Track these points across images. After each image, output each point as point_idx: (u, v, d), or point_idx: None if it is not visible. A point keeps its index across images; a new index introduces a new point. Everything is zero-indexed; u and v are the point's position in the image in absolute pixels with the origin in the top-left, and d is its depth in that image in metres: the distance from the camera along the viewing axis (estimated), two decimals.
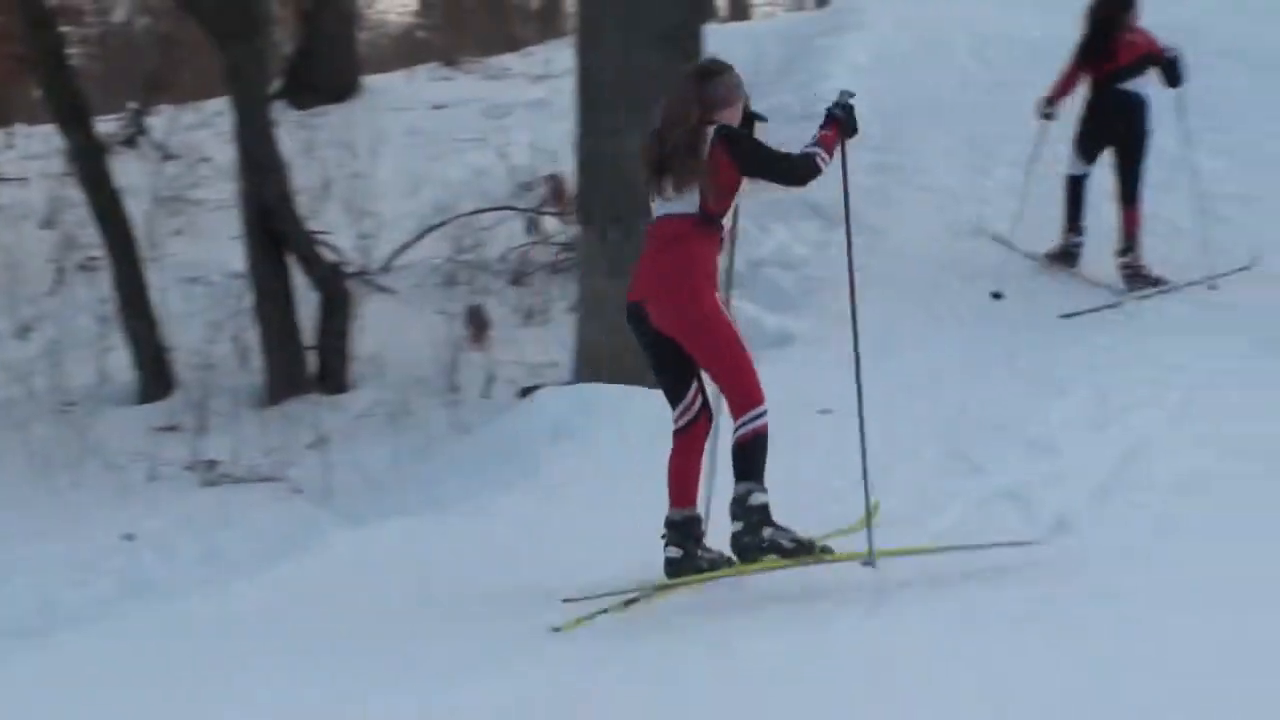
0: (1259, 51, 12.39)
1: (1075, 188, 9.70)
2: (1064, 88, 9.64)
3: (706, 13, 14.39)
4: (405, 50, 26.39)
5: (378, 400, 9.77)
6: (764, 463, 5.33)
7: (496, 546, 6.30)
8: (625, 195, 7.64)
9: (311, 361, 10.37)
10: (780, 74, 12.88)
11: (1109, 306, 9.02)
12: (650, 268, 5.47)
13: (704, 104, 5.45)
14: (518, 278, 11.74)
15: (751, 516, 5.30)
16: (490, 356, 10.13)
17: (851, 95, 5.99)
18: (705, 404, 5.56)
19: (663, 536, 5.49)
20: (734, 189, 5.49)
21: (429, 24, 29.30)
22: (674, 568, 5.47)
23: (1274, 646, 3.98)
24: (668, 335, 5.41)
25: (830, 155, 5.84)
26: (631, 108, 7.54)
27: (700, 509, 5.60)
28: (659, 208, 5.49)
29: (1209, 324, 8.50)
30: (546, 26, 24.37)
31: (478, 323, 10.82)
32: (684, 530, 5.50)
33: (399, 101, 16.86)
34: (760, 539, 5.29)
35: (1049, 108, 9.61)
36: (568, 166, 10.60)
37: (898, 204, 10.66)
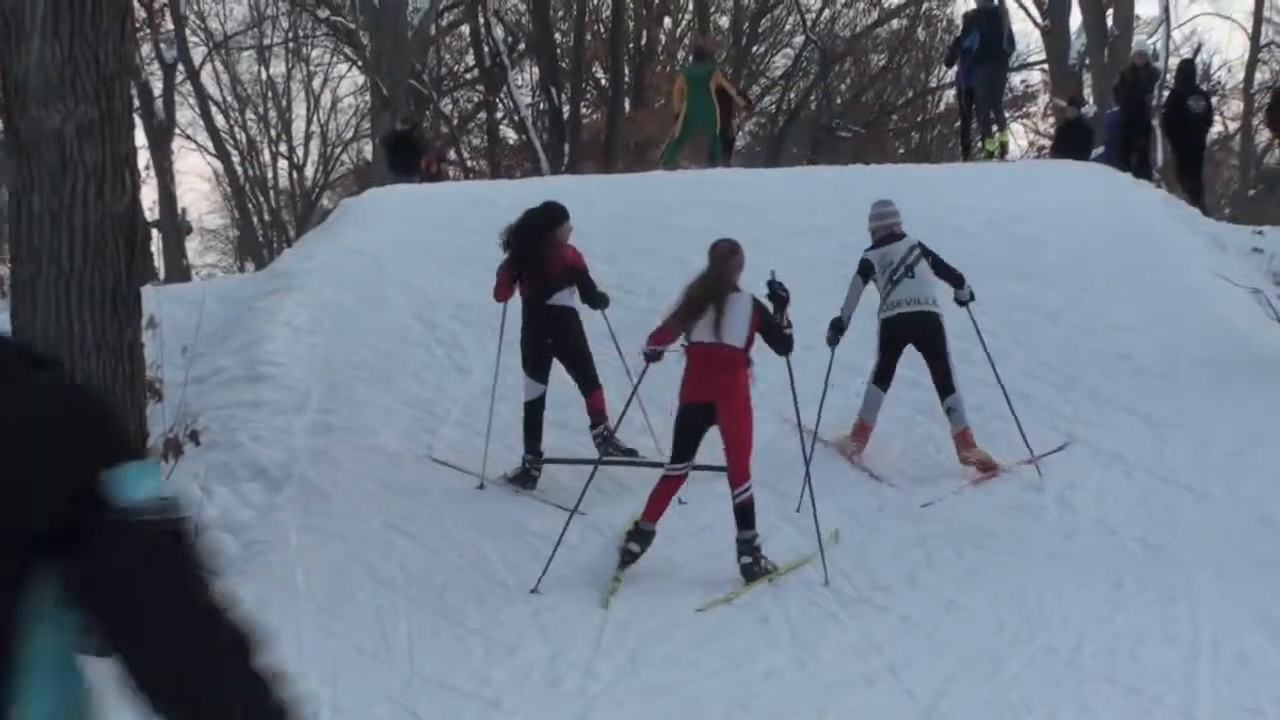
0: None
1: (532, 413, 10.47)
2: (503, 291, 10.60)
3: (144, 275, 14.17)
4: None
5: None
6: (754, 517, 8.76)
7: None
8: None
9: None
10: (221, 337, 12.79)
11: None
12: (716, 379, 8.84)
13: (737, 273, 9.07)
14: None
15: (756, 552, 8.74)
16: None
17: (775, 273, 9.15)
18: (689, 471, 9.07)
19: (629, 534, 8.93)
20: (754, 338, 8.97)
21: None
22: (632, 559, 8.84)
23: None
24: (721, 425, 8.85)
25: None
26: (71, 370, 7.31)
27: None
28: (707, 335, 8.91)
29: None
30: None
31: None
32: (648, 539, 8.91)
33: None
34: (762, 567, 8.71)
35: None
36: None
37: (340, 464, 10.69)
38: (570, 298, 10.50)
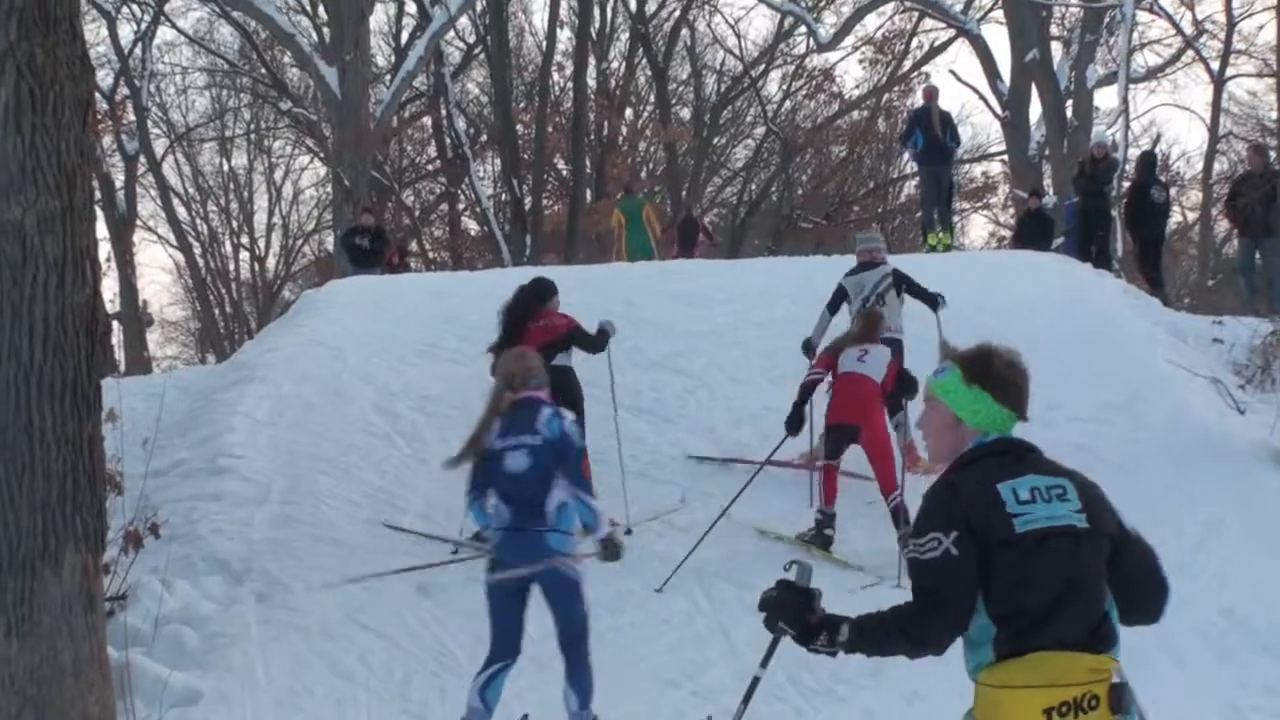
0: None
1: None
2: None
3: (105, 367, 14.09)
4: None
5: None
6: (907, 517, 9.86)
7: None
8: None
9: None
10: (182, 429, 12.74)
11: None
12: (860, 403, 10.79)
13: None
14: None
15: None
16: None
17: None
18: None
19: (819, 520, 10.65)
20: None
21: None
22: (829, 540, 10.48)
23: None
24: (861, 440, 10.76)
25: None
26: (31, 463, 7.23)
27: None
28: (853, 366, 10.92)
29: None
30: None
31: None
32: (832, 520, 10.61)
33: None
34: None
35: None
36: None
37: (301, 557, 10.62)
38: (568, 359, 11.06)
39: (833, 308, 12.45)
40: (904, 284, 12.39)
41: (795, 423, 11.15)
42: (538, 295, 11.33)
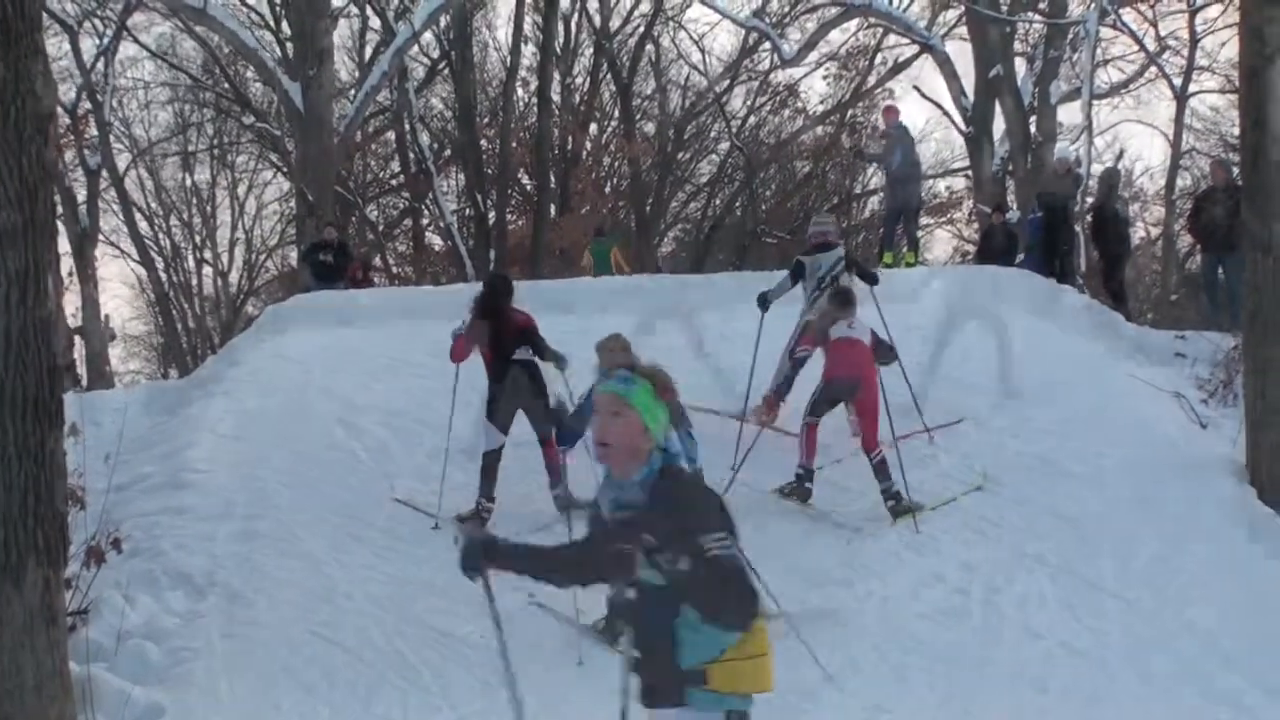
0: None
1: (490, 462, 11.41)
2: (461, 353, 11.61)
3: (67, 382, 14.04)
4: None
5: None
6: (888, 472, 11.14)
7: None
8: None
9: None
10: (145, 444, 12.68)
11: None
12: (858, 361, 11.56)
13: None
14: None
15: (898, 496, 11.16)
16: None
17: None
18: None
19: (799, 475, 11.41)
20: None
21: None
22: (808, 495, 11.39)
23: None
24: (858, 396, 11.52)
25: None
26: None
27: None
28: (845, 333, 11.72)
29: None
30: None
31: None
32: (811, 475, 11.43)
33: None
34: (903, 506, 11.09)
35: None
36: None
37: (264, 571, 10.58)
38: (528, 354, 11.58)
39: (794, 278, 13.31)
40: (854, 266, 13.46)
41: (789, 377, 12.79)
42: (508, 289, 11.96)
